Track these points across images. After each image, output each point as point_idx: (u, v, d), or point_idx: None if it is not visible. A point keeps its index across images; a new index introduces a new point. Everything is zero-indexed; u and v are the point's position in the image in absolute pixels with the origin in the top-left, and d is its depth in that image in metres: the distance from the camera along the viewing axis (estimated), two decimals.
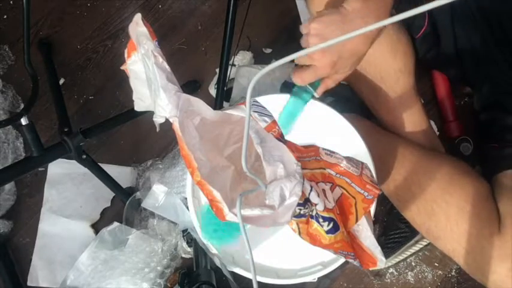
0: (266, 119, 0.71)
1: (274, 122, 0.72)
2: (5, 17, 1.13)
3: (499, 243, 0.73)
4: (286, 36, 1.11)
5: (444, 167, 0.83)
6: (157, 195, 0.97)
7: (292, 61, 1.06)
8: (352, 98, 0.96)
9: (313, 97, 0.76)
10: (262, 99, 0.76)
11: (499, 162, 0.83)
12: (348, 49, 0.66)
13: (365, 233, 0.70)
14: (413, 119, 0.92)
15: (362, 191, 0.70)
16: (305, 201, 0.61)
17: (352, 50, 0.66)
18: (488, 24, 0.84)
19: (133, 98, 0.65)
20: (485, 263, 0.74)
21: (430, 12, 0.87)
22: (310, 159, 0.72)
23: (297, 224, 0.63)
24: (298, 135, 0.76)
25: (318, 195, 0.64)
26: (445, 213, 0.78)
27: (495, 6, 0.83)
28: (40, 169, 1.04)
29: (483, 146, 0.91)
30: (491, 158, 0.87)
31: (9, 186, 1.03)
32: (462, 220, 0.76)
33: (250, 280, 0.46)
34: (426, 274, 0.99)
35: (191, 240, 0.95)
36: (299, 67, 0.70)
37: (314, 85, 0.73)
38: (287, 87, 0.98)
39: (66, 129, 0.88)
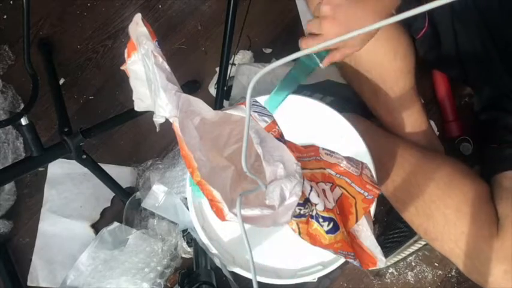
0: (266, 119, 0.71)
1: (274, 122, 0.71)
2: (5, 17, 1.13)
3: (497, 245, 0.73)
4: (286, 36, 1.11)
5: (443, 168, 0.82)
6: (157, 195, 0.97)
7: (293, 61, 1.06)
8: (352, 98, 0.96)
9: (318, 66, 0.73)
10: (262, 99, 0.76)
11: (498, 163, 0.83)
12: (358, 23, 0.63)
13: (365, 233, 0.70)
14: (413, 119, 0.92)
15: (362, 191, 0.70)
16: (305, 201, 0.61)
17: (362, 24, 0.63)
18: (487, 29, 0.83)
19: (133, 98, 0.65)
20: (483, 265, 0.73)
21: (430, 13, 0.87)
22: (310, 159, 0.72)
23: (297, 224, 0.63)
24: (298, 135, 0.76)
25: (318, 195, 0.64)
26: (443, 214, 0.78)
27: (495, 12, 0.82)
28: (40, 169, 1.04)
29: (483, 146, 0.91)
30: (491, 159, 0.86)
31: (9, 186, 1.03)
32: (460, 222, 0.76)
33: (250, 280, 0.46)
34: (426, 274, 0.99)
35: (191, 240, 0.95)
36: (308, 35, 0.68)
37: (321, 55, 0.71)
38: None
39: (66, 129, 0.88)
